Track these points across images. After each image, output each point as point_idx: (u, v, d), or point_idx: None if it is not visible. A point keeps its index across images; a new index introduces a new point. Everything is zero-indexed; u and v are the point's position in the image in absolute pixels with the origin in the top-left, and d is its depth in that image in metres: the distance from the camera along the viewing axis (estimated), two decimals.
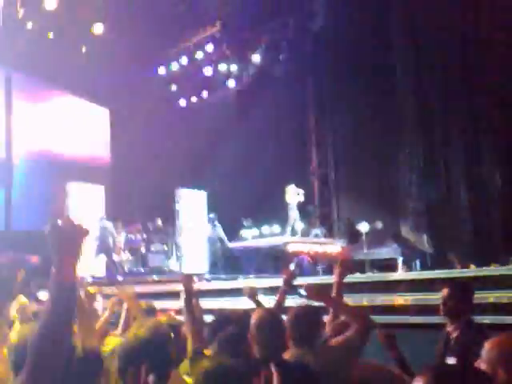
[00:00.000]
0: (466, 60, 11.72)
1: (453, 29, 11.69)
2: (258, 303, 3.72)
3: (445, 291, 3.27)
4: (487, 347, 1.76)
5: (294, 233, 11.17)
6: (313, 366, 2.35)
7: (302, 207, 11.93)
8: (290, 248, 10.09)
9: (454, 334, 3.15)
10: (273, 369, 2.21)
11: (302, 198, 11.51)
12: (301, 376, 2.31)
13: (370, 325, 2.78)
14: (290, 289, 3.17)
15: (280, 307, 3.03)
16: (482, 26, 11.46)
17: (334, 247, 10.90)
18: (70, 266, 1.45)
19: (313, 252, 10.30)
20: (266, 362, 2.29)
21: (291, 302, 3.01)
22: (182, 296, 3.10)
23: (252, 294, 3.82)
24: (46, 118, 12.93)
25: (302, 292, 2.80)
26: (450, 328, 3.21)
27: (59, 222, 1.46)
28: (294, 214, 11.29)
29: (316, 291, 2.78)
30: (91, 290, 3.61)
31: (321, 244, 10.95)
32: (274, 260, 10.10)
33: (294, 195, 11.40)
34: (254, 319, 2.51)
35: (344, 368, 2.56)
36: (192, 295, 3.03)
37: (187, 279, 3.09)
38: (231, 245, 11.33)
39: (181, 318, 3.19)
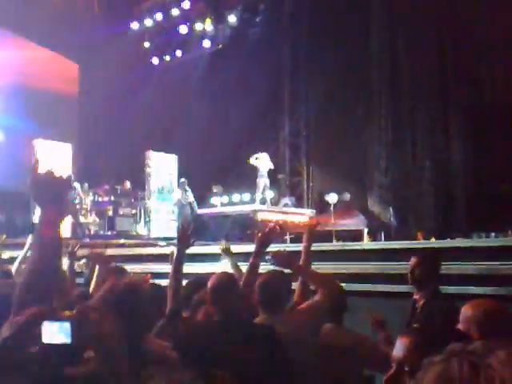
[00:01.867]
0: (439, 41, 11.81)
1: (429, 9, 11.71)
2: (233, 259, 3.79)
3: (413, 260, 3.32)
4: (463, 310, 1.94)
5: (263, 201, 11.21)
6: (280, 331, 2.38)
7: (272, 176, 11.95)
8: (259, 216, 10.16)
9: (421, 302, 3.22)
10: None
11: (271, 166, 11.48)
12: (266, 340, 2.34)
13: (337, 289, 2.86)
14: (263, 252, 3.12)
15: (254, 270, 2.99)
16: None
17: (303, 217, 11.04)
18: (55, 220, 1.46)
19: (281, 221, 10.40)
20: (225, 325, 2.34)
21: (260, 269, 3.02)
22: (172, 258, 3.06)
23: (227, 249, 3.90)
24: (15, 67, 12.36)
25: (269, 258, 2.84)
26: (416, 296, 3.29)
27: (39, 174, 1.46)
28: (264, 182, 11.29)
29: (283, 257, 2.81)
30: None
31: (290, 213, 11.05)
32: (242, 227, 10.16)
33: (264, 163, 11.37)
34: (210, 283, 2.50)
35: (311, 332, 2.62)
36: (183, 258, 2.95)
37: (187, 242, 2.94)
38: (201, 211, 11.32)
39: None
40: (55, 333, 1.25)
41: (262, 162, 11.43)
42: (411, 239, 8.67)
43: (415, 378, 0.75)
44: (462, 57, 11.70)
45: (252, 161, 11.14)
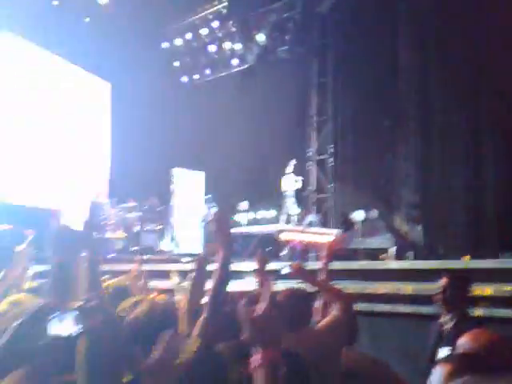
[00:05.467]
0: (472, 53, 11.59)
1: (458, 20, 11.55)
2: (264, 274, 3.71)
3: (444, 280, 3.21)
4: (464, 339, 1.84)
5: (288, 220, 11.19)
6: (301, 350, 2.27)
7: (298, 193, 11.95)
8: (283, 236, 10.12)
9: (449, 325, 3.12)
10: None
11: (299, 186, 11.52)
12: (292, 363, 2.18)
13: (352, 301, 2.79)
14: (264, 275, 3.01)
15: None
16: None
17: (328, 237, 10.94)
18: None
19: (305, 242, 10.33)
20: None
21: (280, 286, 2.95)
22: (191, 274, 2.91)
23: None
24: (47, 86, 12.75)
25: (285, 270, 2.74)
26: (444, 318, 3.18)
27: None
28: (290, 200, 11.31)
29: (299, 268, 2.75)
30: None
31: (315, 233, 10.97)
32: (267, 247, 10.13)
33: (291, 183, 11.43)
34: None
35: (333, 351, 2.53)
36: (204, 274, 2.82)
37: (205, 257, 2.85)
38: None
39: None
40: (62, 325, 1.28)
41: (287, 183, 11.52)
42: (440, 259, 8.47)
43: None
44: (496, 69, 11.42)
45: (284, 186, 11.27)
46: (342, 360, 2.59)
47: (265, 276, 2.92)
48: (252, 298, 2.52)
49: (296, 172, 11.94)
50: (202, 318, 2.23)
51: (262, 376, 1.37)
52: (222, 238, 2.25)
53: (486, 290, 4.37)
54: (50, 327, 1.27)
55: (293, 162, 11.77)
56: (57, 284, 1.56)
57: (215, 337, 2.26)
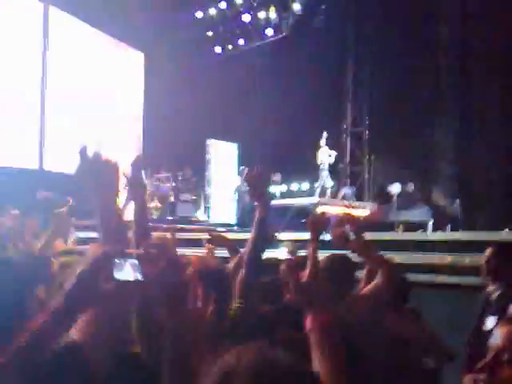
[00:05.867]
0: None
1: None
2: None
3: (489, 250, 3.24)
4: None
5: (323, 192, 11.08)
6: (344, 318, 2.22)
7: (333, 165, 11.82)
8: (319, 210, 10.01)
9: (495, 294, 3.14)
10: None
11: (333, 160, 11.39)
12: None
13: (395, 267, 2.76)
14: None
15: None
16: None
17: (364, 210, 10.79)
18: (112, 204, 1.46)
19: (341, 214, 10.20)
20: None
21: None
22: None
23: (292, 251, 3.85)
24: (81, 57, 12.79)
25: (327, 236, 2.72)
26: (490, 288, 3.20)
27: (89, 159, 1.44)
28: (324, 173, 11.20)
29: (341, 232, 2.68)
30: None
31: (351, 206, 10.84)
32: (303, 219, 10.05)
33: (325, 156, 11.29)
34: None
35: (375, 319, 2.53)
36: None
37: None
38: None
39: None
40: (127, 270, 1.25)
41: (321, 155, 11.42)
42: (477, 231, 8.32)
43: None
44: None
45: (318, 159, 11.17)
46: (389, 325, 2.59)
47: (314, 243, 2.86)
48: (297, 261, 2.43)
49: (329, 144, 11.79)
50: (240, 279, 2.19)
51: (317, 339, 1.34)
52: (258, 197, 2.19)
53: None
54: (114, 273, 1.24)
55: (325, 135, 11.62)
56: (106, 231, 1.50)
57: (256, 298, 2.24)
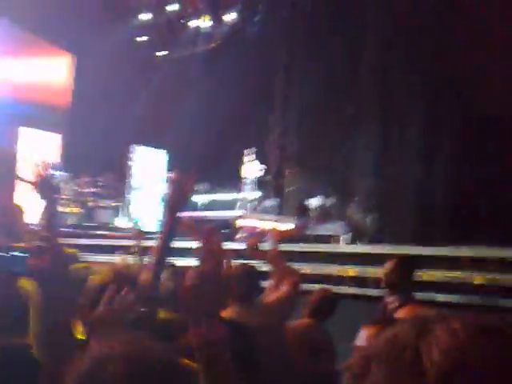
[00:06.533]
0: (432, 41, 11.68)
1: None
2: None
3: (388, 263, 3.35)
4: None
5: (245, 205, 11.23)
6: (251, 323, 2.37)
7: (258, 177, 12.00)
8: (240, 223, 10.16)
9: (392, 306, 3.23)
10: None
11: (259, 172, 11.55)
12: (238, 333, 2.30)
13: (300, 278, 2.93)
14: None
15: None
16: None
17: (284, 224, 11.00)
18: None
19: (261, 229, 10.38)
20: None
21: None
22: None
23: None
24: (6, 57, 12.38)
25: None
26: (388, 299, 3.30)
27: None
28: (249, 185, 11.35)
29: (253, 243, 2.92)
30: None
31: (271, 220, 11.04)
32: (222, 230, 10.14)
33: (251, 169, 11.46)
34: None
35: (279, 320, 2.69)
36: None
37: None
38: (183, 214, 11.28)
39: None
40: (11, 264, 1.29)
41: (249, 167, 11.55)
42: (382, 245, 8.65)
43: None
44: (456, 59, 11.40)
45: (244, 167, 11.27)
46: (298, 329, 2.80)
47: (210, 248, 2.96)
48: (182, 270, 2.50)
49: (257, 157, 11.97)
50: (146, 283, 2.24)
51: (202, 357, 1.10)
52: (174, 202, 2.07)
53: (431, 275, 4.58)
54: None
55: (254, 150, 11.80)
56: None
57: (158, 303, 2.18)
